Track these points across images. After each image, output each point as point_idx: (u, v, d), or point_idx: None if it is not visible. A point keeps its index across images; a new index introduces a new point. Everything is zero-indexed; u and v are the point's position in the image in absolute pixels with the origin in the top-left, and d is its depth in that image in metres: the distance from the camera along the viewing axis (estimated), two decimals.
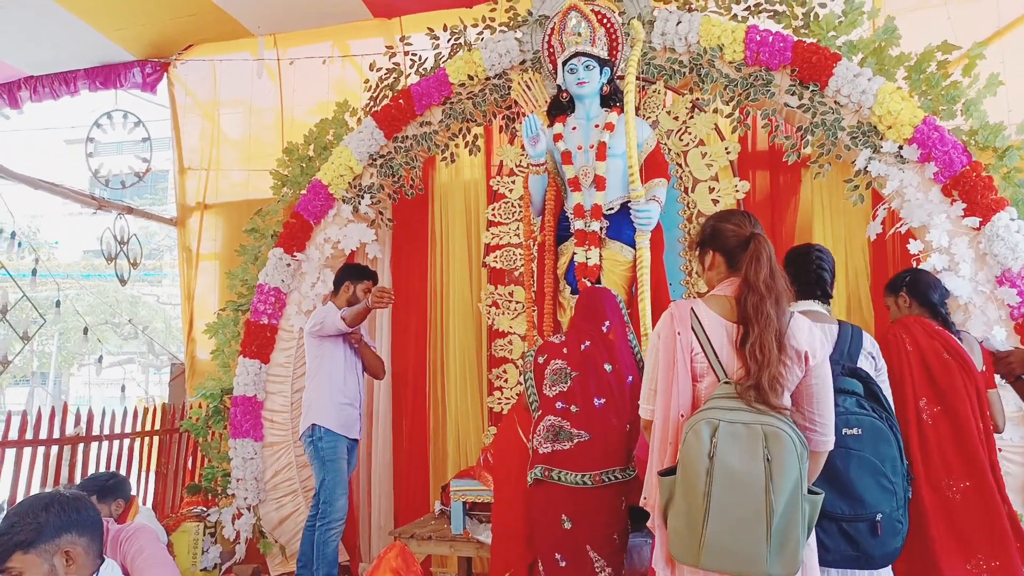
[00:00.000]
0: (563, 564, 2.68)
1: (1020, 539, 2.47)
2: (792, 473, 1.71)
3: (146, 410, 5.27)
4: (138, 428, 5.16)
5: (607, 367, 2.85)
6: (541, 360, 2.99)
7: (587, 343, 2.92)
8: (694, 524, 1.75)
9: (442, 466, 4.73)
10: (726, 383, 1.85)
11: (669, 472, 1.84)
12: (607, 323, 2.96)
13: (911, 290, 2.86)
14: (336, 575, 3.77)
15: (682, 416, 1.88)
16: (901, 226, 3.59)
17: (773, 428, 1.74)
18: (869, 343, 2.30)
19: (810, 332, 1.90)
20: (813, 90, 3.69)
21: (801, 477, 1.73)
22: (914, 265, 3.48)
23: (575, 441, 2.76)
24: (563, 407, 2.83)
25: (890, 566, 2.18)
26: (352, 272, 4.21)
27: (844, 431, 2.07)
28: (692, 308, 1.95)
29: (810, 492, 1.77)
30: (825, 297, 2.37)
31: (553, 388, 2.90)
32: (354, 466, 4.14)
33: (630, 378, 2.86)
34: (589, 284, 3.51)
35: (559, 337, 3.08)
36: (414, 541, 3.42)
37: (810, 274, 2.35)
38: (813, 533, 1.85)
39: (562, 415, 2.81)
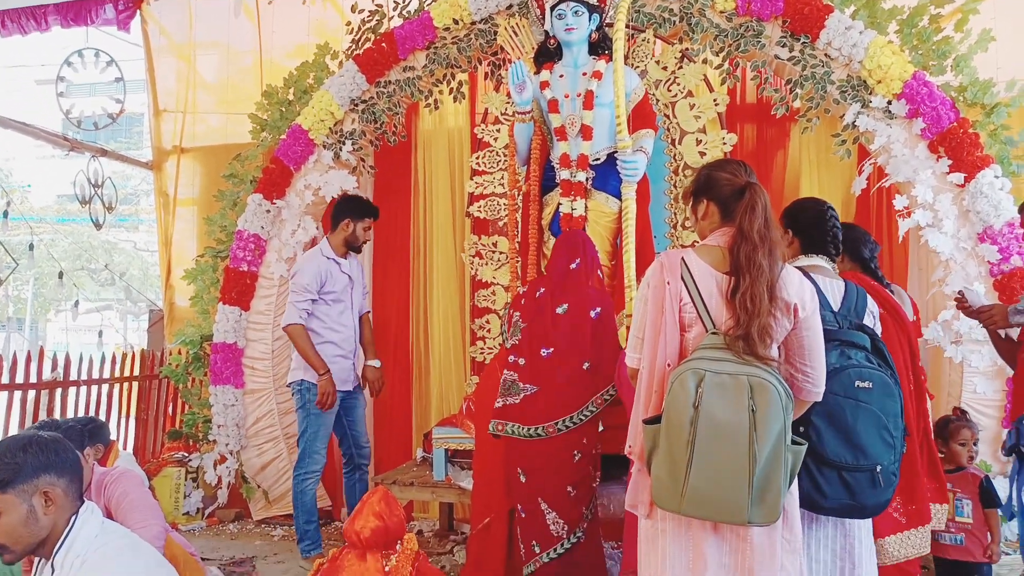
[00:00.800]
0: (523, 515, 2.73)
1: (937, 479, 2.66)
2: (776, 424, 1.73)
3: (124, 356, 5.23)
4: (116, 374, 5.12)
5: (560, 309, 2.80)
6: (511, 312, 3.01)
7: (542, 289, 2.89)
8: (677, 472, 1.77)
9: (424, 414, 4.77)
10: (714, 333, 1.85)
11: (654, 420, 1.85)
12: (577, 260, 2.90)
13: (843, 246, 2.89)
14: (316, 521, 3.78)
15: (669, 365, 1.88)
16: (886, 181, 3.60)
17: (759, 379, 1.74)
18: (871, 303, 2.35)
19: (800, 284, 1.90)
20: (804, 42, 3.64)
21: (785, 428, 1.75)
22: (899, 221, 3.51)
23: (522, 395, 2.76)
24: (514, 360, 2.84)
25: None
26: (353, 207, 3.86)
27: (857, 383, 2.09)
28: (683, 258, 1.94)
29: (794, 442, 1.79)
30: (835, 254, 2.39)
31: (510, 341, 2.91)
32: (364, 404, 4.01)
33: (596, 310, 2.80)
34: None
35: (524, 287, 3.08)
36: (396, 487, 3.46)
37: (826, 232, 2.36)
38: (795, 482, 1.88)
39: (513, 368, 2.83)
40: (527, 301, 2.92)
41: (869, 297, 2.32)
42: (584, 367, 2.74)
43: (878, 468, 2.14)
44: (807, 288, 1.91)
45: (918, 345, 2.72)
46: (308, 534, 3.72)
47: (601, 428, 2.85)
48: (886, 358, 2.24)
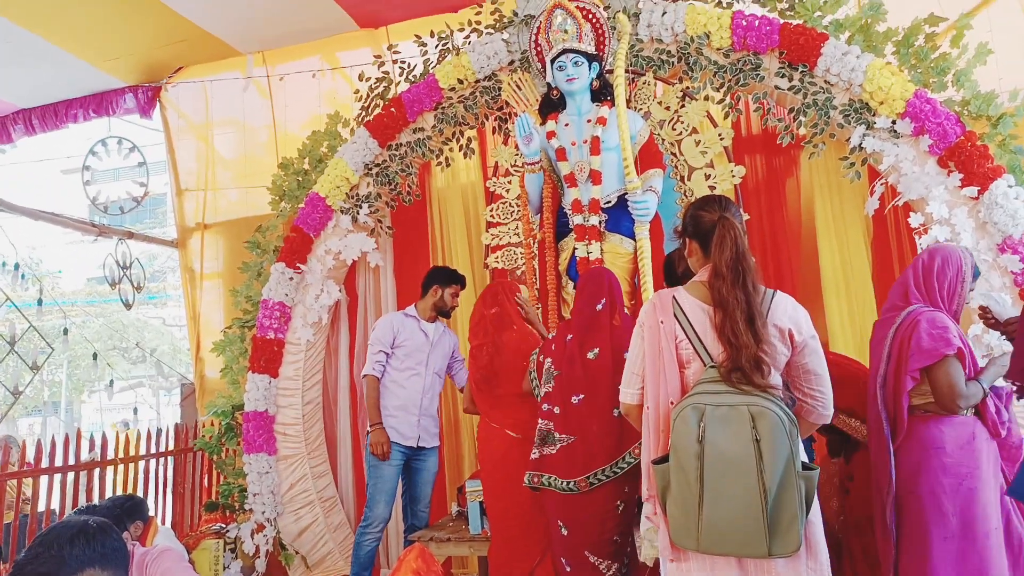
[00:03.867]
0: (568, 569, 2.68)
1: None
2: (783, 451, 1.72)
3: (159, 432, 5.28)
4: (152, 450, 5.17)
5: (591, 354, 2.76)
6: (541, 359, 2.98)
7: (570, 336, 2.86)
8: (690, 509, 1.77)
9: (457, 467, 4.74)
10: (711, 367, 1.87)
11: (663, 460, 1.87)
12: (603, 300, 2.86)
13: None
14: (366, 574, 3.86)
15: (672, 403, 1.90)
16: (899, 200, 3.59)
17: (759, 408, 1.75)
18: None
19: (794, 310, 1.92)
20: (803, 71, 3.69)
21: (793, 455, 1.74)
22: (916, 239, 3.49)
23: (559, 445, 2.70)
24: (548, 409, 2.80)
25: None
26: (441, 276, 4.15)
27: None
28: (674, 296, 1.98)
29: (805, 468, 1.78)
30: None
31: (544, 388, 2.88)
32: (434, 469, 4.08)
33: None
34: None
35: (553, 333, 3.07)
36: (433, 544, 3.43)
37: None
38: (816, 509, 1.86)
39: (548, 417, 2.79)
40: (557, 347, 2.90)
41: None
42: (615, 414, 2.66)
43: None
44: (801, 313, 1.93)
45: None
46: None
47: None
48: None
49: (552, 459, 2.71)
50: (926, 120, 3.41)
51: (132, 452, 5.04)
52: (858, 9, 3.77)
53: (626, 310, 3.61)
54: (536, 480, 2.74)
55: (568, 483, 2.64)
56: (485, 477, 3.23)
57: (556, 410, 2.77)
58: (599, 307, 2.85)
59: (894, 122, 3.50)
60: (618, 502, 2.64)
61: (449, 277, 4.14)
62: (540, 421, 2.81)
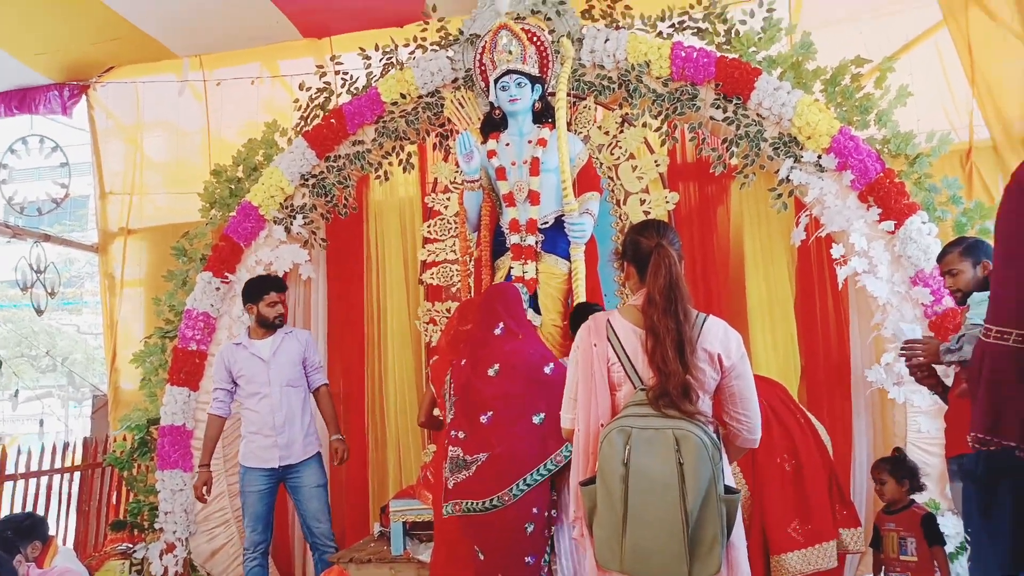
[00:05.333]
0: None
1: (847, 507, 2.90)
2: (705, 475, 1.75)
3: (65, 446, 4.99)
4: (57, 464, 4.88)
5: (491, 371, 2.75)
6: (449, 383, 2.95)
7: (464, 360, 2.86)
8: (615, 530, 1.79)
9: (382, 487, 4.63)
10: (641, 390, 1.89)
11: (591, 482, 1.87)
12: (500, 325, 2.85)
13: None
14: None
15: (602, 425, 1.91)
16: (822, 231, 3.73)
17: (683, 431, 1.78)
18: None
19: (725, 334, 1.95)
20: (736, 103, 3.81)
21: (715, 479, 1.77)
22: (837, 269, 3.62)
23: (473, 467, 2.67)
24: (454, 435, 2.77)
25: None
26: (248, 293, 3.91)
27: None
28: (608, 320, 2.00)
29: (728, 490, 1.81)
30: None
31: (448, 416, 2.86)
32: (316, 483, 3.84)
33: (549, 366, 2.75)
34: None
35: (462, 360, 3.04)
36: (353, 565, 3.34)
37: None
38: (741, 531, 1.89)
39: (455, 444, 2.76)
40: (455, 372, 2.89)
41: None
42: (535, 421, 2.65)
43: None
44: (732, 337, 1.96)
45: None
46: None
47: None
48: None
49: (466, 483, 2.68)
50: (849, 156, 3.56)
51: (35, 467, 4.75)
52: (790, 47, 3.93)
53: (558, 328, 3.64)
54: (457, 508, 2.69)
55: (485, 503, 2.61)
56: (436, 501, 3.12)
57: (461, 434, 2.74)
58: (498, 331, 2.85)
59: (820, 156, 3.65)
60: (527, 523, 2.62)
61: (257, 290, 3.89)
62: (450, 449, 2.77)
